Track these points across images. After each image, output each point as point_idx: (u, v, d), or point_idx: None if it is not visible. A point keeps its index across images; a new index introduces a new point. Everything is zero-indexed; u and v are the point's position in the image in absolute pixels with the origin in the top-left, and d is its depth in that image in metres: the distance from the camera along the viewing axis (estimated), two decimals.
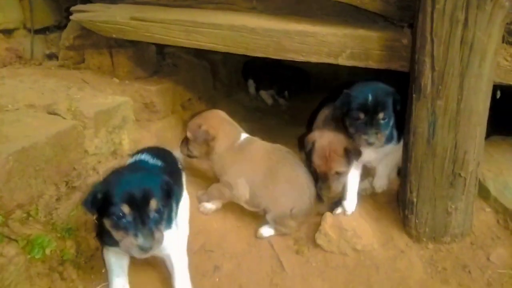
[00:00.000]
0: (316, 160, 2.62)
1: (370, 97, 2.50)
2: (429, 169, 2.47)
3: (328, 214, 2.63)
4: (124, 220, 1.69)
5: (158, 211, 1.76)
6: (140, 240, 1.67)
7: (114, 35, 2.83)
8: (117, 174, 1.85)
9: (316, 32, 2.56)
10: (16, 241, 1.72)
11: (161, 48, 3.84)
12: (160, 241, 1.76)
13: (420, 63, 2.31)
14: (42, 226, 1.85)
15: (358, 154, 2.64)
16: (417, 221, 2.60)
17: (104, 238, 1.89)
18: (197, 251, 2.52)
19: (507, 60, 2.51)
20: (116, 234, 1.74)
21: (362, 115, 2.54)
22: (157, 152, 2.34)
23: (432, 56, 2.25)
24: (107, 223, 1.75)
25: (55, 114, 2.28)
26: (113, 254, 1.98)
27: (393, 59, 2.56)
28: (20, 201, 1.81)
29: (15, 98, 2.38)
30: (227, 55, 4.75)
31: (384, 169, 2.92)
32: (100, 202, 1.72)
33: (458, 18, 2.15)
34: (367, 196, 3.00)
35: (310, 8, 2.90)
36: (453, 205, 2.52)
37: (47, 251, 1.80)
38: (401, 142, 2.71)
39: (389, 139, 2.70)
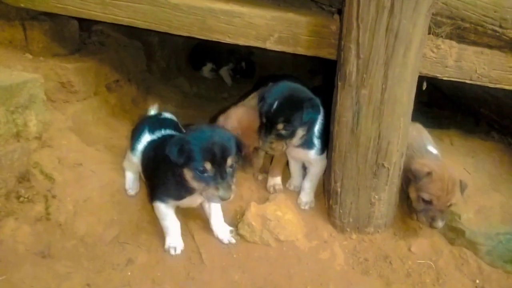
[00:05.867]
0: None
1: (275, 105, 2.37)
2: (352, 159, 2.43)
3: (252, 203, 2.53)
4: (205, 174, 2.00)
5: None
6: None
7: (22, 4, 2.53)
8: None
9: (243, 13, 2.43)
10: None
11: (88, 25, 3.57)
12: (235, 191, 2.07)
13: (345, 50, 2.25)
14: None
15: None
16: (341, 211, 2.57)
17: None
18: (109, 242, 2.34)
19: (433, 52, 2.50)
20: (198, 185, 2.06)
21: (265, 121, 2.45)
22: None
23: (358, 43, 2.19)
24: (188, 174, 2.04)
25: None
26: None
27: (322, 45, 2.48)
28: None
29: None
30: (164, 37, 4.57)
31: (309, 185, 2.77)
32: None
33: (384, 4, 2.10)
34: None
35: None
36: (376, 195, 2.50)
37: None
38: (325, 154, 2.66)
39: (306, 145, 2.61)
